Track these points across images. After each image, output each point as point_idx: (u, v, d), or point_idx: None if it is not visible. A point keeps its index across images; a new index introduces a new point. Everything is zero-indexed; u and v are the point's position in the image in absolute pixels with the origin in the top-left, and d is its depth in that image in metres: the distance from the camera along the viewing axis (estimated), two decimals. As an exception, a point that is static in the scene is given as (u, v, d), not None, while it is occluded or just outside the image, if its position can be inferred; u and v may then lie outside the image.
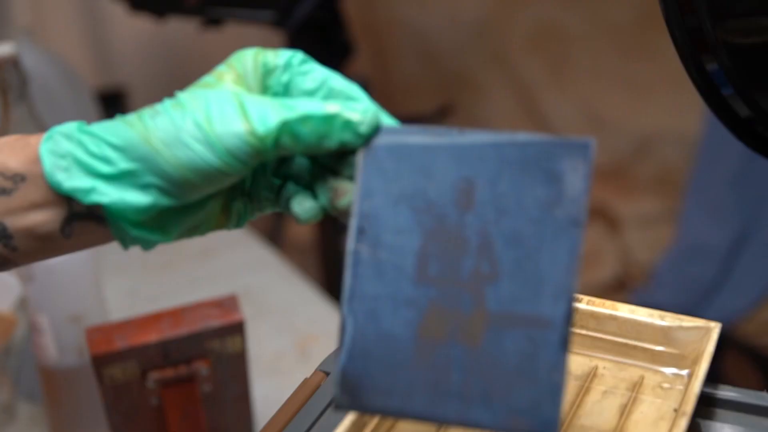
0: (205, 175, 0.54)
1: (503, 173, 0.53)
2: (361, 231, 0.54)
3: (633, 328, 0.67)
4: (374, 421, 0.62)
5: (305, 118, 0.54)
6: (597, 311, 0.67)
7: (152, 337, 0.97)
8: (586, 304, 0.68)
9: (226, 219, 0.59)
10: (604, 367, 0.67)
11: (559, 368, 0.51)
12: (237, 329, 0.99)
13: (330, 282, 1.89)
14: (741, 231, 1.85)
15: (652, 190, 2.14)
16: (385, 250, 0.54)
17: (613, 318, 0.67)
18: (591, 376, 0.66)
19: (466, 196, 0.53)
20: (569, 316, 0.51)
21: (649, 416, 0.63)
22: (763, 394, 0.63)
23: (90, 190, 0.54)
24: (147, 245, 0.57)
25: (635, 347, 0.67)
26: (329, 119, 0.54)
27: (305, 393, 0.68)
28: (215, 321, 0.98)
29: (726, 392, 0.64)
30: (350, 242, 0.54)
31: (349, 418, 0.60)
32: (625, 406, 0.64)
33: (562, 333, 0.51)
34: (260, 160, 0.54)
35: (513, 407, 0.51)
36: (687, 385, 0.63)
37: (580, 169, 0.52)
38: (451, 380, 0.52)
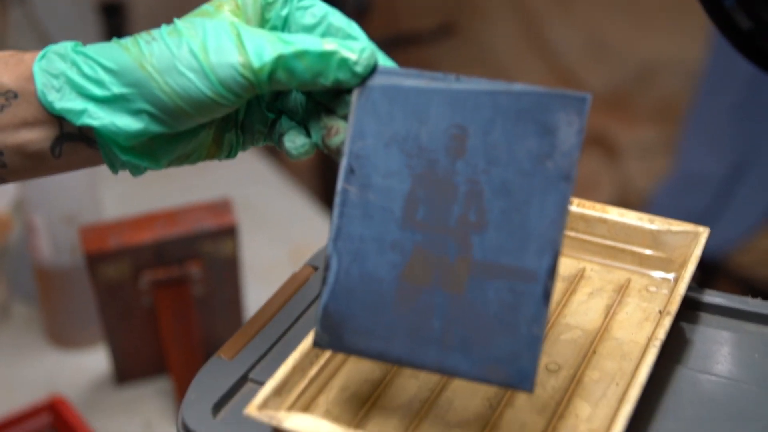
0: (197, 104, 0.53)
1: (496, 122, 0.52)
2: (350, 171, 0.54)
3: (622, 231, 0.66)
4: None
5: (301, 54, 0.53)
6: (587, 213, 0.67)
7: (146, 237, 0.97)
8: (576, 206, 0.67)
9: (218, 149, 0.59)
10: (592, 269, 0.67)
11: (539, 321, 0.51)
12: (229, 233, 0.99)
13: (328, 194, 1.89)
14: (739, 161, 1.84)
15: (652, 119, 2.13)
16: (374, 191, 0.54)
17: (603, 221, 0.67)
18: (578, 277, 0.66)
19: (458, 143, 0.53)
20: (553, 270, 0.51)
21: (634, 317, 0.63)
22: (748, 299, 0.63)
23: (81, 112, 0.54)
24: (136, 171, 0.57)
25: (623, 250, 0.66)
26: (326, 56, 0.53)
27: (293, 286, 0.68)
28: (208, 223, 0.98)
29: (711, 297, 0.64)
30: (339, 182, 0.54)
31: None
32: (611, 307, 0.63)
33: (545, 286, 0.51)
34: (254, 93, 0.54)
35: (491, 357, 0.51)
36: (673, 288, 0.62)
37: (574, 123, 0.51)
38: (431, 326, 0.52)
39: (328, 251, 0.54)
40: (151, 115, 0.54)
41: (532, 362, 0.51)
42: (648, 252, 0.66)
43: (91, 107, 0.54)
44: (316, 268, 0.69)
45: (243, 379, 0.60)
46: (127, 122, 0.54)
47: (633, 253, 0.66)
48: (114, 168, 0.57)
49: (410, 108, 0.54)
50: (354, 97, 0.55)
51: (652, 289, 0.65)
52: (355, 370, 0.60)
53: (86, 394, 1.06)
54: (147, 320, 1.01)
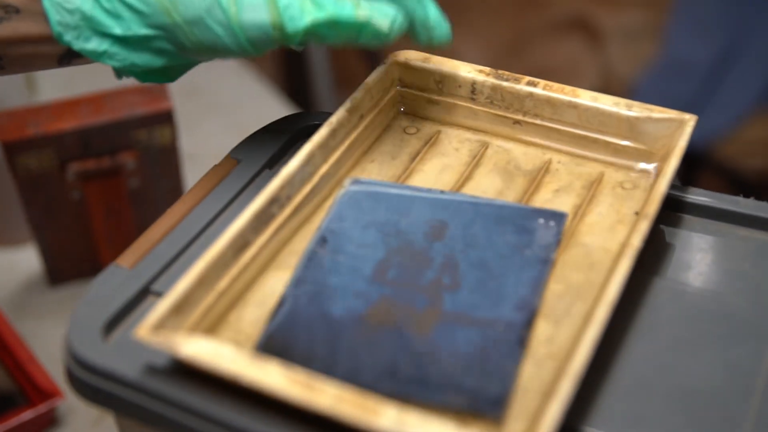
0: (222, 53, 0.53)
1: (477, 221, 0.52)
2: (323, 240, 0.51)
3: (595, 119, 0.56)
4: (283, 215, 0.52)
5: (334, 23, 0.51)
6: (554, 97, 0.56)
7: (70, 124, 0.86)
8: (542, 88, 0.57)
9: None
10: (559, 162, 0.56)
11: (513, 358, 0.45)
12: (166, 119, 0.88)
13: (286, 80, 1.77)
14: (726, 48, 1.73)
15: (638, 2, 2.00)
16: (345, 255, 0.50)
17: (573, 106, 0.56)
18: (543, 171, 0.56)
19: (438, 231, 0.51)
20: (529, 323, 0.47)
21: (607, 219, 0.53)
22: (739, 198, 0.53)
23: (101, 54, 0.53)
24: (143, 80, 0.56)
25: (596, 140, 0.56)
26: (358, 26, 0.51)
27: (211, 182, 0.57)
28: (141, 109, 0.87)
29: (697, 196, 0.54)
30: (310, 245, 0.51)
31: (255, 207, 0.50)
32: (579, 207, 0.53)
33: (519, 335, 0.46)
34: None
35: (454, 385, 0.45)
36: (652, 185, 0.52)
37: (552, 228, 0.51)
38: (387, 357, 0.46)
39: (285, 293, 0.49)
40: (172, 54, 0.53)
41: (502, 391, 0.44)
42: (624, 142, 0.55)
43: (111, 47, 0.53)
44: (239, 161, 0.58)
45: (144, 292, 0.50)
46: (147, 59, 0.53)
47: (607, 144, 0.56)
48: (120, 77, 0.56)
49: (393, 206, 0.53)
50: (337, 196, 0.54)
51: (628, 186, 0.55)
52: (276, 280, 0.50)
53: (16, 295, 0.96)
54: (76, 215, 0.91)
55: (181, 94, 1.09)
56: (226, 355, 0.43)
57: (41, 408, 0.77)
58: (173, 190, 0.93)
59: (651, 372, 0.46)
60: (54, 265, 0.94)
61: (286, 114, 0.62)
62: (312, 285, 0.49)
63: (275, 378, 0.42)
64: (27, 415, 0.77)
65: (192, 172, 1.07)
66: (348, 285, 0.49)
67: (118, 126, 0.87)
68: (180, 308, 0.46)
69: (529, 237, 0.51)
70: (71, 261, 0.94)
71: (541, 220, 0.51)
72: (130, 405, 0.46)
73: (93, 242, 0.92)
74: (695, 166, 1.77)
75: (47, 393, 0.78)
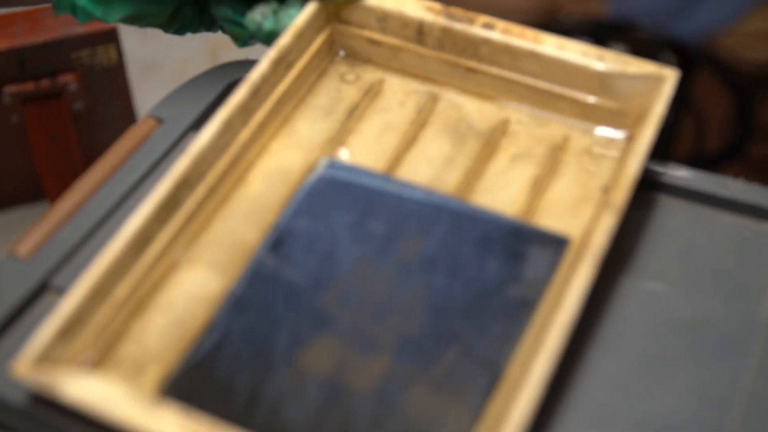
0: None
1: (462, 238, 0.42)
2: (276, 244, 0.43)
3: (560, 71, 0.47)
4: (195, 198, 0.44)
5: None
6: (513, 44, 0.47)
7: (3, 44, 0.77)
8: (500, 32, 0.48)
9: (170, 22, 0.51)
10: (518, 122, 0.48)
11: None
12: (109, 38, 0.79)
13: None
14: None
15: None
16: (298, 271, 0.42)
17: (535, 55, 0.47)
18: (499, 132, 0.47)
19: (413, 248, 0.42)
20: (490, 388, 0.38)
21: (569, 196, 0.44)
22: (727, 180, 0.44)
23: None
24: (83, 17, 0.50)
25: (561, 96, 0.47)
26: None
27: (127, 146, 0.49)
28: (81, 27, 0.78)
29: (676, 173, 0.45)
30: (259, 250, 0.42)
31: (158, 196, 0.42)
32: (540, 179, 0.45)
33: (477, 402, 0.37)
34: None
35: None
36: (622, 160, 0.44)
37: (546, 259, 0.41)
38: (311, 413, 0.38)
39: (216, 320, 0.40)
40: None
41: None
42: (593, 100, 0.47)
43: None
44: (160, 121, 0.50)
45: (42, 287, 0.43)
46: None
47: (573, 101, 0.47)
48: (59, 9, 0.50)
49: (368, 206, 0.44)
50: (306, 182, 0.45)
51: (597, 151, 0.46)
52: (188, 280, 0.42)
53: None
54: (16, 140, 0.83)
55: None
56: (116, 398, 0.35)
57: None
58: (123, 112, 0.85)
59: (614, 400, 0.38)
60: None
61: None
62: (251, 312, 0.40)
63: (171, 429, 0.35)
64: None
65: (151, 87, 0.98)
66: (291, 314, 0.40)
67: (57, 45, 0.78)
68: (69, 330, 0.38)
69: (517, 268, 0.41)
70: (12, 186, 0.87)
71: (537, 247, 0.42)
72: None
73: (35, 168, 0.84)
74: (692, 63, 1.67)
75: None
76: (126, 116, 0.85)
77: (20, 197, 0.87)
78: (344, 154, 0.46)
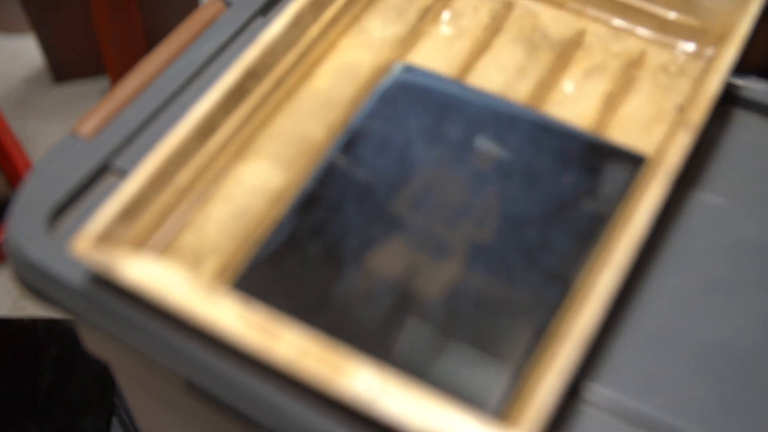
0: None
1: (540, 149, 0.41)
2: (349, 145, 0.41)
3: (642, -17, 0.45)
4: (262, 90, 0.43)
5: None
6: (596, -47, 0.45)
7: None
8: (583, -60, 0.46)
9: None
10: (594, 33, 0.46)
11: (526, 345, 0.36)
12: None
13: None
14: None
15: None
16: (370, 171, 0.40)
17: (617, -35, 0.45)
18: (574, 44, 0.46)
19: (487, 156, 0.41)
20: (559, 303, 0.37)
21: (642, 114, 0.43)
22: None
23: None
24: None
25: (641, 11, 0.45)
26: None
27: (194, 28, 0.48)
28: None
29: (757, 86, 0.44)
30: (331, 149, 0.41)
31: (226, 84, 0.41)
32: (613, 95, 0.44)
33: (545, 316, 0.36)
34: None
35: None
36: (702, 76, 0.42)
37: (622, 176, 0.40)
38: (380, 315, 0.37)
39: (286, 217, 0.39)
40: None
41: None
42: (674, 15, 0.45)
43: None
44: (227, 4, 0.48)
45: (103, 168, 0.42)
46: None
47: (653, 16, 0.45)
48: None
49: (443, 111, 0.42)
50: (379, 85, 0.43)
51: (673, 70, 0.44)
52: (250, 172, 0.41)
53: (18, 91, 0.88)
54: (81, 14, 0.81)
55: None
56: (175, 284, 0.35)
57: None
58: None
59: (678, 320, 0.37)
60: (57, 60, 0.85)
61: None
62: (321, 211, 0.39)
63: (229, 319, 0.34)
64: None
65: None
66: (362, 215, 0.39)
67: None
68: (131, 212, 0.37)
69: (593, 182, 0.40)
70: (75, 58, 0.85)
71: (614, 163, 0.40)
72: (80, 316, 0.39)
73: (97, 42, 0.83)
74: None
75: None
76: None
77: (80, 71, 0.86)
78: (414, 57, 0.45)
